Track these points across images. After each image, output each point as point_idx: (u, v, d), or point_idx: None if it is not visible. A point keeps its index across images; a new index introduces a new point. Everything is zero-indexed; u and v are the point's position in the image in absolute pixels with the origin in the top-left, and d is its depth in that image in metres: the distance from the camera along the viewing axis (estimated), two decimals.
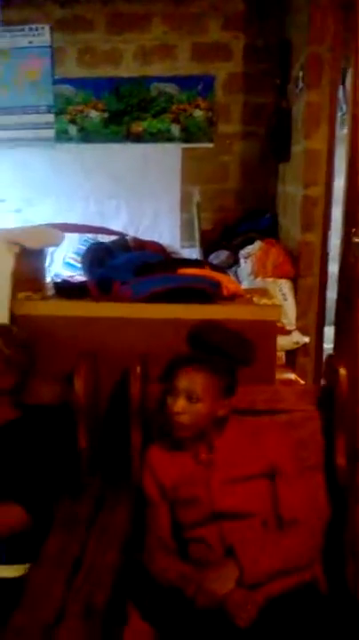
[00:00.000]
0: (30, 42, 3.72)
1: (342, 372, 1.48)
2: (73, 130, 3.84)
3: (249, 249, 3.20)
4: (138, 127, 3.76)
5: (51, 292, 1.95)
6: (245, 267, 3.15)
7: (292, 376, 2.46)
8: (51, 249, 2.93)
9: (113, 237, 3.50)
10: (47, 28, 3.69)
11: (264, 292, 1.85)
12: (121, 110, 3.75)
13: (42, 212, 3.85)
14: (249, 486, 1.32)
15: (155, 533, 1.34)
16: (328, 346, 2.91)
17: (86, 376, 1.53)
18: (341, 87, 2.74)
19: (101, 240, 3.45)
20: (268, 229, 3.45)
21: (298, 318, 2.82)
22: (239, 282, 2.86)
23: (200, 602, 1.15)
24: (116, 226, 3.77)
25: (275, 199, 3.71)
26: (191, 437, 1.34)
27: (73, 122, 3.82)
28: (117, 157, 3.82)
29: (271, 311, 1.78)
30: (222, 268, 2.57)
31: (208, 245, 3.58)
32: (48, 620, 1.04)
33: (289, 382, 2.30)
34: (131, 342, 1.69)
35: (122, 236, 3.43)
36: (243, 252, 3.24)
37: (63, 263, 3.40)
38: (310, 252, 2.83)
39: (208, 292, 1.75)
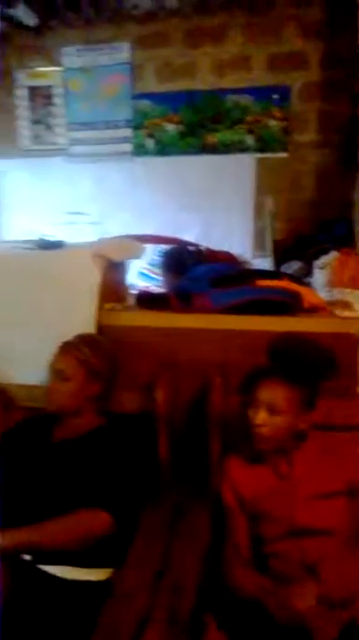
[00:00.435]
0: (111, 59, 3.86)
1: None
2: (150, 143, 3.95)
3: (324, 259, 3.14)
4: (212, 138, 3.80)
5: (132, 302, 2.01)
6: (319, 277, 3.10)
7: None
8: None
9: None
10: (127, 45, 3.82)
11: (346, 305, 1.82)
12: (196, 122, 3.81)
13: (119, 224, 3.97)
14: (329, 503, 1.31)
15: (233, 544, 1.35)
16: None
17: (167, 386, 1.58)
18: None
19: None
20: (344, 239, 3.38)
21: None
22: None
23: (281, 617, 1.15)
24: (189, 236, 3.82)
25: (350, 208, 3.63)
26: (271, 450, 1.35)
27: (150, 135, 3.92)
28: (192, 169, 3.88)
29: (353, 323, 1.75)
30: (302, 280, 2.54)
31: (280, 256, 3.56)
32: (134, 624, 1.08)
33: None
34: (210, 353, 1.71)
35: (195, 246, 3.47)
36: (317, 263, 3.18)
37: (138, 274, 3.48)
38: None
39: (288, 304, 1.75)
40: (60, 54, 3.97)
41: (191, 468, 1.59)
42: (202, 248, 3.34)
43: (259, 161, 3.77)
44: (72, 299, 1.78)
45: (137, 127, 3.93)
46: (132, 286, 3.14)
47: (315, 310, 1.81)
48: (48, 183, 4.14)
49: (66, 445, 1.51)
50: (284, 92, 3.65)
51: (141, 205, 3.99)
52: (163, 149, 3.92)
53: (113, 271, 1.92)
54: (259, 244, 3.82)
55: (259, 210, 3.80)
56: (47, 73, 4.03)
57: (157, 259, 3.49)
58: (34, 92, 4.09)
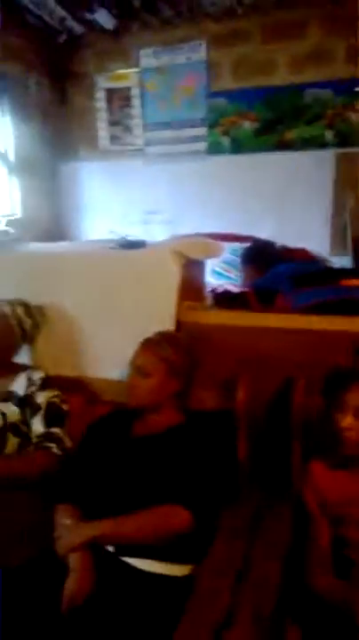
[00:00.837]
0: (188, 58, 3.89)
1: None
2: (225, 141, 3.94)
3: None
4: (290, 135, 3.74)
5: (210, 301, 2.02)
6: None
7: None
8: None
9: None
10: (203, 44, 3.83)
11: None
12: (273, 119, 3.76)
13: (192, 223, 3.99)
14: None
15: (316, 548, 1.33)
16: None
17: (248, 385, 1.57)
18: None
19: None
20: None
21: None
22: None
23: None
24: (264, 234, 3.78)
25: None
26: (357, 455, 1.31)
27: (225, 133, 3.92)
28: (267, 166, 3.83)
29: None
30: None
31: None
32: (217, 622, 1.08)
33: None
34: (291, 353, 1.68)
35: (270, 243, 3.42)
36: None
37: (212, 272, 3.48)
38: None
39: None
40: (138, 56, 4.04)
41: (271, 468, 1.57)
42: (277, 246, 3.30)
43: (339, 156, 3.66)
44: (153, 296, 1.81)
45: (212, 126, 3.93)
46: (206, 284, 3.16)
47: None
48: (125, 183, 4.23)
49: (146, 441, 1.54)
50: None
51: (215, 203, 3.99)
52: (238, 147, 3.90)
53: (192, 270, 1.93)
54: (336, 242, 3.71)
55: (337, 206, 3.69)
56: (125, 75, 4.11)
57: (231, 257, 3.48)
58: (112, 94, 4.19)
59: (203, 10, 3.69)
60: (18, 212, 3.95)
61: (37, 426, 1.65)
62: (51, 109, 4.25)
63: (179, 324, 1.81)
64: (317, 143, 3.69)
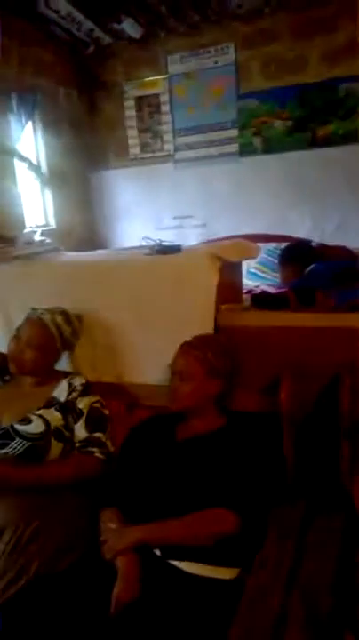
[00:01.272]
0: (216, 62, 3.90)
1: None
2: (257, 142, 3.92)
3: None
4: (324, 131, 3.69)
5: (248, 303, 1.99)
6: None
7: None
8: None
9: None
10: (232, 46, 3.82)
11: None
12: (305, 116, 3.73)
13: (225, 226, 3.99)
14: None
15: None
16: None
17: (290, 386, 1.54)
18: None
19: None
20: None
21: None
22: None
23: None
24: (300, 233, 3.74)
25: None
26: None
27: (257, 134, 3.90)
28: (301, 164, 3.80)
29: None
30: None
31: None
32: (271, 624, 1.06)
33: None
34: (333, 352, 1.64)
35: (308, 242, 3.38)
36: None
37: (247, 273, 3.46)
38: None
39: None
40: (166, 62, 4.07)
41: (318, 469, 1.54)
42: (314, 244, 3.25)
43: None
44: (190, 300, 1.80)
45: (243, 127, 3.92)
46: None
47: None
48: (157, 189, 4.27)
49: (190, 444, 1.53)
50: None
51: (249, 205, 3.97)
52: (270, 147, 3.88)
53: (229, 272, 1.92)
54: None
55: None
56: (153, 82, 4.15)
57: (266, 257, 3.45)
58: (141, 101, 4.23)
59: (229, 12, 3.69)
60: (52, 223, 4.03)
61: (80, 431, 1.66)
62: (81, 120, 4.33)
63: (217, 327, 1.79)
64: (353, 138, 3.63)
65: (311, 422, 1.57)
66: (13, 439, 1.56)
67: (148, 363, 1.87)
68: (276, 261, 3.24)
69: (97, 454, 1.62)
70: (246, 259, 2.16)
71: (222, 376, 1.58)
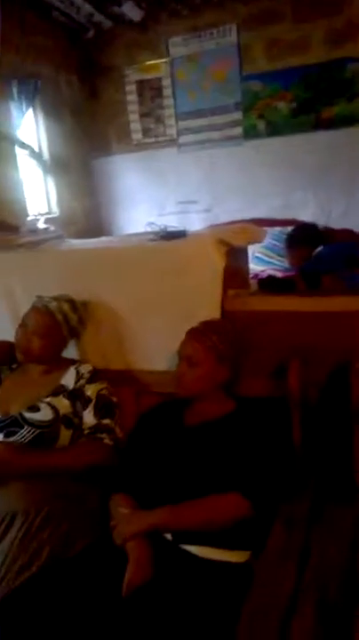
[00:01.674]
0: (218, 44, 3.84)
1: None
2: (261, 124, 3.87)
3: None
4: (329, 113, 3.65)
5: (254, 287, 1.98)
6: None
7: None
8: None
9: None
10: (234, 27, 3.76)
11: None
12: (310, 98, 3.68)
13: (229, 210, 3.96)
14: None
15: None
16: None
17: (299, 371, 1.54)
18: None
19: None
20: None
21: None
22: None
23: None
24: (305, 216, 3.72)
25: None
26: None
27: (261, 116, 3.85)
28: (305, 147, 3.76)
29: None
30: None
31: None
32: (282, 608, 1.07)
33: None
34: (341, 336, 1.63)
35: (314, 225, 3.36)
36: None
37: (253, 258, 3.44)
38: None
39: None
40: (167, 45, 4.01)
41: (327, 453, 1.54)
42: (320, 227, 3.22)
43: None
44: (197, 286, 1.79)
45: (247, 109, 3.87)
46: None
47: None
48: (161, 174, 4.23)
49: (199, 429, 1.53)
50: None
51: (252, 189, 3.94)
52: (275, 130, 3.83)
53: (235, 257, 1.90)
54: None
55: None
56: (154, 66, 4.10)
57: (271, 241, 3.43)
58: (142, 85, 4.18)
59: None
60: (55, 210, 4.01)
61: (88, 418, 1.66)
62: (82, 106, 4.29)
63: (224, 312, 1.78)
64: (358, 120, 3.58)
65: (320, 407, 1.57)
66: (22, 427, 1.57)
67: (155, 349, 1.87)
68: (282, 245, 3.22)
69: (106, 440, 1.62)
70: (253, 243, 2.14)
71: (229, 361, 1.58)
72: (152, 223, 2.04)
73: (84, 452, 1.60)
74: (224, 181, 4.03)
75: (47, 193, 4.01)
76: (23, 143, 3.64)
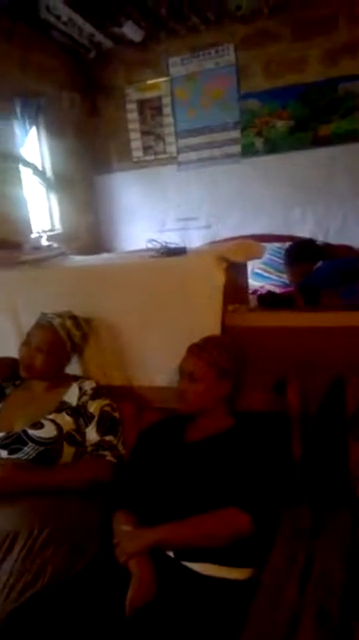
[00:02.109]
0: (217, 63, 3.91)
1: None
2: (259, 142, 3.93)
3: None
4: (325, 131, 3.70)
5: (254, 303, 2.01)
6: None
7: None
8: None
9: None
10: (231, 47, 3.84)
11: None
12: (307, 116, 3.74)
13: (228, 226, 4.00)
14: None
15: None
16: None
17: (299, 386, 1.55)
18: None
19: None
20: None
21: None
22: None
23: None
24: (303, 232, 3.75)
25: None
26: None
27: (259, 134, 3.91)
28: (303, 164, 3.81)
29: None
30: None
31: None
32: (284, 623, 1.07)
33: None
34: (339, 351, 1.66)
35: (313, 241, 3.39)
36: None
37: (252, 273, 3.47)
38: None
39: None
40: (167, 65, 4.08)
41: (326, 468, 1.55)
42: (319, 243, 3.26)
43: None
44: (197, 302, 1.82)
45: (245, 127, 3.93)
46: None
47: None
48: (161, 191, 4.28)
49: (200, 445, 1.54)
50: None
51: (252, 205, 3.99)
52: (273, 147, 3.89)
53: (235, 273, 1.93)
54: None
55: None
56: (154, 85, 4.17)
57: (270, 257, 3.47)
58: (143, 104, 4.25)
59: (229, 14, 3.71)
60: (57, 227, 4.05)
61: (91, 434, 1.68)
62: (84, 124, 4.36)
63: (224, 327, 1.81)
64: (354, 137, 3.64)
65: (318, 422, 1.59)
66: (26, 444, 1.58)
67: (157, 365, 1.89)
68: (281, 261, 3.25)
69: (109, 457, 1.63)
70: (252, 259, 2.17)
71: (230, 377, 1.59)
72: (153, 240, 2.07)
73: (87, 469, 1.61)
74: (223, 198, 4.08)
75: (50, 210, 4.06)
76: (27, 161, 3.70)
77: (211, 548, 1.32)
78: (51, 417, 1.65)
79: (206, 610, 1.21)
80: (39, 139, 3.92)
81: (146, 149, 4.31)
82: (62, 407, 1.70)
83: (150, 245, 2.07)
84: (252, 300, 2.16)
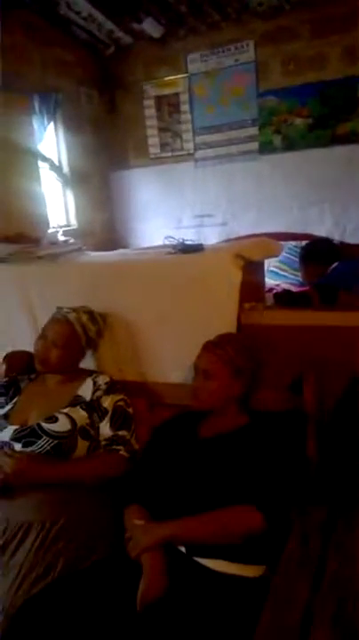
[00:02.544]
0: (236, 60, 3.89)
1: None
2: (277, 140, 3.90)
3: None
4: (344, 129, 3.66)
5: (270, 301, 1.99)
6: None
7: None
8: None
9: None
10: (251, 43, 3.81)
11: None
12: (326, 114, 3.70)
13: (245, 224, 3.99)
14: None
15: None
16: None
17: (315, 385, 1.54)
18: None
19: None
20: None
21: None
22: None
23: None
24: (320, 231, 3.72)
25: None
26: None
27: (277, 132, 3.88)
28: (321, 162, 3.77)
29: None
30: None
31: None
32: (297, 622, 1.07)
33: None
34: (356, 351, 1.64)
35: (329, 240, 3.36)
36: None
37: (268, 271, 3.45)
38: None
39: None
40: (185, 61, 4.07)
41: (341, 467, 1.54)
42: (335, 242, 3.23)
43: None
44: (214, 299, 1.81)
45: (263, 125, 3.90)
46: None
47: None
48: (177, 188, 4.28)
49: (213, 442, 1.54)
50: None
51: (269, 203, 3.96)
52: (291, 145, 3.86)
53: (252, 271, 1.92)
54: None
55: None
56: (173, 81, 4.16)
57: (286, 256, 3.45)
58: (160, 101, 4.24)
59: (249, 10, 3.68)
60: (73, 223, 4.07)
61: (105, 429, 1.68)
62: (101, 120, 4.36)
63: (240, 325, 1.80)
64: None
65: (334, 421, 1.57)
66: (40, 437, 1.59)
67: (171, 362, 1.89)
68: (297, 259, 3.23)
69: (122, 452, 1.64)
70: (269, 257, 2.16)
71: (245, 375, 1.58)
72: (170, 237, 2.07)
73: (101, 463, 1.62)
74: (240, 195, 4.06)
75: (66, 205, 4.08)
76: (44, 156, 3.71)
77: (223, 544, 1.31)
78: (65, 411, 1.66)
79: (217, 606, 1.21)
80: (56, 134, 3.94)
81: (163, 146, 4.30)
82: (76, 401, 1.71)
83: (167, 242, 2.06)
84: (268, 299, 2.15)
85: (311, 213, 3.85)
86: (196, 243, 1.98)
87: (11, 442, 1.61)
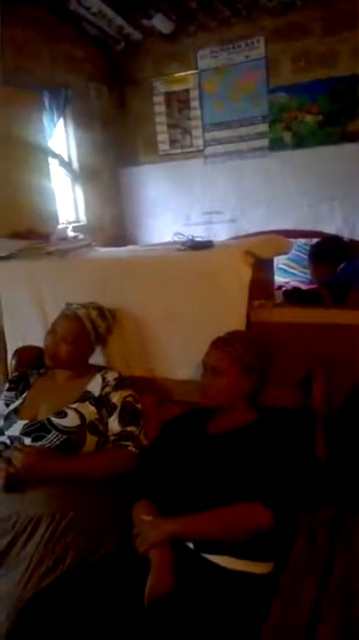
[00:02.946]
0: (246, 56, 3.87)
1: None
2: (287, 136, 3.89)
3: None
4: (354, 126, 3.64)
5: (279, 299, 1.99)
6: None
7: None
8: None
9: None
10: (262, 40, 3.79)
11: None
12: (336, 111, 3.68)
13: (254, 221, 3.97)
14: None
15: None
16: None
17: (324, 383, 1.54)
18: None
19: None
20: None
21: None
22: None
23: None
24: (330, 229, 3.71)
25: None
26: None
27: (287, 128, 3.87)
28: (331, 159, 3.76)
29: None
30: None
31: None
32: (304, 619, 1.07)
33: None
34: None
35: (339, 238, 3.35)
36: None
37: (277, 269, 3.45)
38: None
39: None
40: (195, 58, 4.06)
41: (350, 465, 1.54)
42: (346, 240, 3.21)
43: None
44: (223, 296, 1.81)
45: (273, 122, 3.89)
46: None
47: None
48: (187, 184, 4.27)
49: (222, 438, 1.54)
50: None
51: (278, 200, 3.95)
52: (301, 142, 3.84)
53: (261, 268, 1.92)
54: None
55: None
56: (183, 78, 4.15)
57: (296, 253, 3.43)
58: (170, 97, 4.23)
59: (260, 6, 3.67)
60: (82, 219, 4.07)
61: (114, 425, 1.69)
62: (111, 116, 4.36)
63: (250, 322, 1.80)
64: None
65: (343, 420, 1.57)
66: (50, 432, 1.61)
67: (180, 358, 1.89)
68: (306, 257, 3.22)
69: (131, 448, 1.65)
70: (279, 254, 2.15)
71: (254, 373, 1.58)
72: (179, 233, 2.07)
73: (110, 458, 1.63)
74: (249, 192, 4.05)
75: (75, 201, 4.09)
76: (54, 152, 3.72)
77: (231, 541, 1.32)
78: (74, 406, 1.67)
79: (225, 602, 1.22)
80: (66, 130, 3.95)
81: (172, 142, 4.30)
82: (86, 397, 1.72)
83: (176, 238, 2.06)
84: (278, 296, 2.14)
85: (321, 211, 3.84)
86: (206, 239, 1.98)
87: (21, 436, 1.63)
